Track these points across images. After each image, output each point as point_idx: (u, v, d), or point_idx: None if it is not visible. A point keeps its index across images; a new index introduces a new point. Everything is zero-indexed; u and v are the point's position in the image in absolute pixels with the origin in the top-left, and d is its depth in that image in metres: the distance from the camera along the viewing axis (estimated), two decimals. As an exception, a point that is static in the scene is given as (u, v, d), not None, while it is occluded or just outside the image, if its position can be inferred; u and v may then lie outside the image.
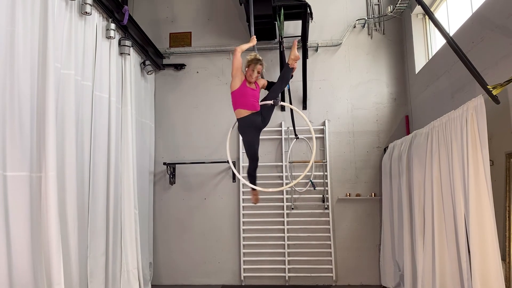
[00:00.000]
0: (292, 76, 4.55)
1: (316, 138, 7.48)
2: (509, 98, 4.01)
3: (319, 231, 7.19)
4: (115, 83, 5.88)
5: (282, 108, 7.55)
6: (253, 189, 4.57)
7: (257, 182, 7.11)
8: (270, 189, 4.61)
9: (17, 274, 3.77)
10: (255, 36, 4.78)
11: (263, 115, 4.30)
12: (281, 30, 6.56)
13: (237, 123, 4.37)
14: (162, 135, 7.78)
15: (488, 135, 3.79)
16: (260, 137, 7.23)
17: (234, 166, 7.34)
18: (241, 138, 4.47)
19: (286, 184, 7.24)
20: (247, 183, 4.53)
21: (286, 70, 4.44)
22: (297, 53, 4.40)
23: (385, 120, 7.43)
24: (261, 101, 4.34)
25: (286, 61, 4.46)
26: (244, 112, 4.21)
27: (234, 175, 7.41)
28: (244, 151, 7.38)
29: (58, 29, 4.56)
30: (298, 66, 7.33)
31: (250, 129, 4.26)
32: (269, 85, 4.54)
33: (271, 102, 4.29)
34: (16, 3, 3.92)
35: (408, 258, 5.51)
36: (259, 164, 7.21)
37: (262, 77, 4.57)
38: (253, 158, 4.44)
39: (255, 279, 7.25)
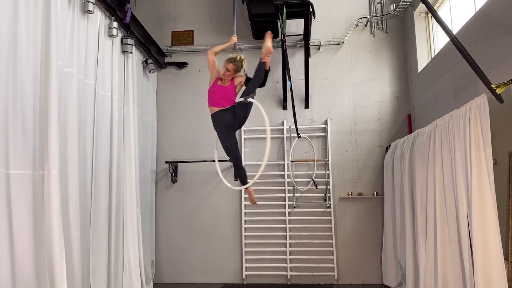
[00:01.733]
0: (267, 71, 4.27)
1: (318, 137, 7.47)
2: (513, 97, 3.99)
3: (321, 230, 7.19)
4: (118, 81, 5.88)
5: (284, 107, 7.54)
6: (246, 188, 4.50)
7: (259, 181, 7.18)
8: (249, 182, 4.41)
9: (20, 271, 3.78)
10: (234, 36, 4.74)
11: (235, 112, 4.23)
12: (283, 29, 6.55)
13: None
14: (164, 133, 7.78)
15: (491, 134, 3.77)
16: (262, 135, 7.36)
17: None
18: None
19: (288, 183, 7.24)
20: (233, 187, 4.50)
21: (258, 65, 4.24)
22: (269, 45, 4.14)
23: (388, 119, 7.41)
24: (241, 97, 4.26)
25: (261, 54, 4.25)
26: (213, 109, 4.32)
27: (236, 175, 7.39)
28: (246, 150, 7.44)
29: (60, 27, 4.56)
30: (300, 64, 7.39)
31: (220, 126, 4.32)
32: (247, 80, 4.44)
33: (242, 100, 4.15)
34: (18, 1, 3.92)
35: (410, 257, 5.50)
36: (261, 162, 7.18)
37: (246, 75, 4.51)
38: (230, 157, 4.47)
39: (257, 277, 7.25)
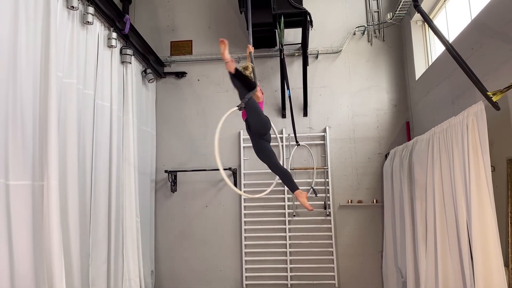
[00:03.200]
0: (233, 74, 4.04)
1: (317, 144, 7.49)
2: (510, 104, 4.02)
3: (321, 238, 7.18)
4: (117, 91, 5.91)
5: (283, 115, 7.57)
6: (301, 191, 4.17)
7: (259, 189, 7.18)
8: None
9: (19, 282, 3.76)
10: (249, 45, 4.78)
11: (249, 122, 4.14)
12: (281, 38, 6.59)
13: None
14: (164, 143, 7.80)
15: (489, 141, 3.79)
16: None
17: (235, 174, 7.37)
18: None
19: (287, 191, 7.24)
20: (237, 190, 4.19)
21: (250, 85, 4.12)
22: (222, 51, 4.12)
23: (386, 126, 7.44)
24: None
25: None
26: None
27: (235, 182, 7.41)
28: (245, 158, 7.45)
29: (60, 38, 4.60)
30: (299, 73, 7.43)
31: (253, 135, 4.22)
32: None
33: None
34: (18, 13, 3.96)
35: (411, 265, 5.49)
36: (260, 171, 7.18)
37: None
38: (270, 167, 4.19)
39: (258, 286, 7.21)
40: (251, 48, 4.72)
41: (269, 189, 4.30)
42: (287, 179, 4.13)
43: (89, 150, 5.25)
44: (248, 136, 7.01)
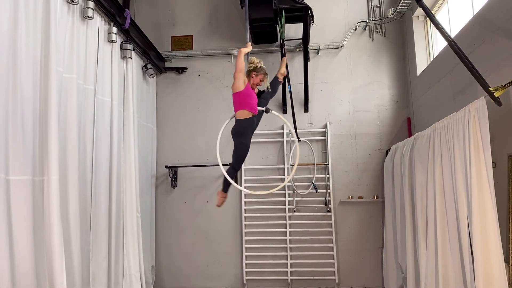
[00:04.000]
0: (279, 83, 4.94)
1: (318, 140, 7.48)
2: (511, 100, 4.00)
3: (321, 234, 7.18)
4: (117, 86, 5.90)
5: (284, 111, 7.55)
6: (224, 191, 4.63)
7: (260, 185, 7.19)
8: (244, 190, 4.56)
9: (20, 277, 3.77)
10: (250, 43, 4.75)
11: (256, 120, 4.47)
12: (282, 33, 6.55)
13: (231, 123, 4.46)
14: (164, 138, 7.79)
15: (491, 137, 3.77)
16: (262, 140, 7.38)
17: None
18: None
19: (288, 187, 7.24)
20: (235, 184, 4.42)
21: (276, 83, 4.82)
22: (284, 70, 5.00)
23: (387, 122, 7.42)
24: None
25: (276, 75, 4.88)
26: (247, 114, 4.28)
27: (236, 177, 7.39)
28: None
29: (60, 33, 4.58)
30: (300, 68, 7.41)
31: (248, 131, 4.34)
32: (261, 92, 4.68)
33: (263, 109, 4.48)
34: (18, 7, 3.94)
35: (411, 261, 5.49)
36: (261, 166, 7.24)
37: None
38: (241, 162, 4.58)
39: (258, 282, 7.24)
40: (249, 46, 4.65)
41: (275, 189, 4.58)
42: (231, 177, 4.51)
43: (90, 145, 5.25)
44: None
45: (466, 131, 3.99)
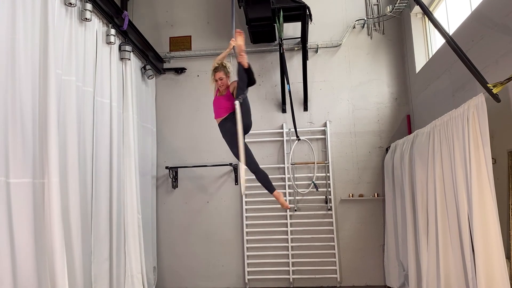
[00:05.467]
0: (247, 69, 4.04)
1: (318, 139, 7.48)
2: (510, 96, 4.00)
3: (322, 232, 7.19)
4: (116, 88, 5.90)
5: (283, 110, 7.56)
6: (271, 192, 4.52)
7: (258, 184, 7.18)
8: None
9: (22, 280, 3.77)
10: (232, 39, 4.47)
11: (233, 118, 4.04)
12: (280, 32, 6.57)
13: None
14: (164, 139, 7.79)
15: (490, 133, 3.78)
16: (262, 139, 7.38)
17: (236, 169, 7.37)
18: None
19: (289, 186, 7.25)
20: (243, 186, 4.33)
21: (239, 69, 4.07)
22: (239, 43, 4.06)
23: (387, 120, 7.42)
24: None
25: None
26: (218, 120, 4.38)
27: (236, 177, 7.42)
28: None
29: (58, 35, 4.59)
30: (299, 67, 7.40)
31: (225, 134, 4.34)
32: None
33: (236, 102, 3.93)
34: (16, 10, 3.95)
35: (412, 258, 5.50)
36: (261, 166, 7.20)
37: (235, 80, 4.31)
38: (245, 164, 4.30)
39: (259, 281, 7.24)
40: (233, 42, 4.38)
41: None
42: (267, 180, 4.48)
43: (90, 147, 5.25)
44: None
45: (466, 128, 4.00)
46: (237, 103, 3.84)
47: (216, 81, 4.29)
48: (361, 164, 7.36)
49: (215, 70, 4.30)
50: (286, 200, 7.27)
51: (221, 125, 4.36)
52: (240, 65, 4.01)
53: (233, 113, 4.01)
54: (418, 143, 5.33)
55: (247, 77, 4.04)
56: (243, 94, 4.01)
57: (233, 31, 4.65)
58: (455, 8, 5.96)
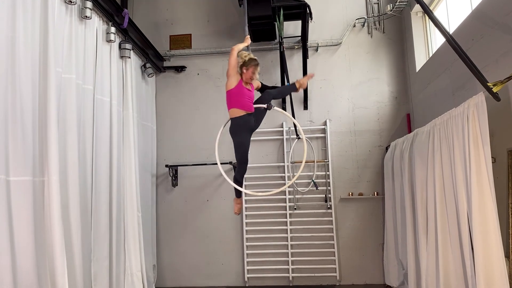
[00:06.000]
0: (293, 91, 4.70)
1: (318, 138, 7.48)
2: (510, 95, 4.00)
3: (322, 231, 7.19)
4: (116, 86, 5.90)
5: (283, 109, 7.54)
6: (237, 197, 4.65)
7: (259, 183, 7.21)
8: (260, 193, 4.58)
9: (22, 278, 3.78)
10: (248, 36, 4.72)
11: (256, 118, 4.30)
12: (281, 31, 6.56)
13: (229, 122, 4.34)
14: (164, 137, 7.79)
15: (490, 132, 3.78)
16: (262, 137, 7.38)
17: (236, 168, 7.35)
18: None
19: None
20: (236, 186, 4.44)
21: (290, 88, 4.68)
22: (306, 83, 4.63)
23: (387, 118, 7.42)
24: (254, 103, 4.30)
25: (296, 80, 4.56)
26: (239, 112, 4.19)
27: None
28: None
29: (58, 33, 4.58)
30: (299, 66, 7.40)
31: (243, 129, 4.25)
32: (263, 87, 4.55)
33: (264, 106, 4.26)
34: (16, 8, 3.94)
35: (412, 257, 5.50)
36: (261, 164, 7.23)
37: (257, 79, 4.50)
38: (243, 161, 4.39)
39: (259, 280, 7.25)
40: (248, 40, 4.63)
41: (277, 190, 4.48)
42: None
43: (89, 145, 5.25)
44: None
45: (466, 127, 4.00)
46: (278, 109, 4.38)
47: (253, 74, 4.23)
48: (361, 163, 7.36)
49: (255, 64, 4.21)
50: (286, 199, 7.30)
51: (244, 119, 4.20)
52: (294, 85, 4.52)
53: (257, 110, 4.25)
54: (418, 142, 5.33)
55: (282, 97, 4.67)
56: (269, 103, 4.29)
57: (246, 28, 5.10)
58: (455, 7, 5.95)
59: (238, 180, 4.42)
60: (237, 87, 4.18)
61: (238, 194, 4.62)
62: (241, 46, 4.40)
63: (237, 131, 4.25)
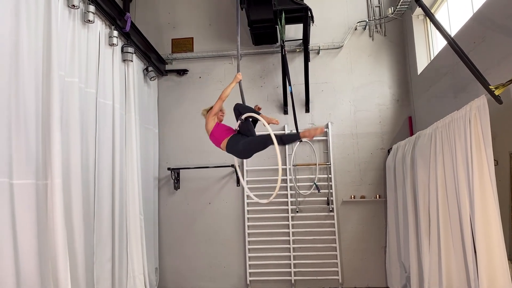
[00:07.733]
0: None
1: (320, 140, 7.48)
2: (512, 98, 4.00)
3: (324, 234, 7.19)
4: (119, 89, 5.92)
5: (285, 112, 7.57)
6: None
7: (262, 186, 7.20)
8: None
9: (25, 281, 3.79)
10: (240, 73, 4.68)
11: (243, 131, 4.47)
12: (282, 34, 6.58)
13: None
14: (166, 140, 7.81)
15: (492, 135, 3.78)
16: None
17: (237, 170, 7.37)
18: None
19: (290, 187, 7.25)
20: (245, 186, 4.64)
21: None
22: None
23: (388, 121, 7.42)
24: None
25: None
26: (226, 140, 4.41)
27: (238, 179, 7.42)
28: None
29: (61, 37, 4.61)
30: (300, 69, 7.41)
31: (237, 144, 4.39)
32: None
33: (238, 122, 4.42)
34: (19, 12, 3.97)
35: (414, 260, 5.50)
36: (263, 167, 7.21)
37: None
38: (258, 145, 4.56)
39: (261, 283, 7.24)
40: (240, 76, 4.67)
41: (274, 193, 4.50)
42: (288, 138, 4.95)
43: (92, 148, 5.27)
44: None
45: (468, 129, 4.00)
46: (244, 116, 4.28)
47: (223, 111, 4.59)
48: (363, 165, 7.36)
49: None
50: (288, 202, 7.29)
51: (232, 139, 4.38)
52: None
53: (239, 131, 4.42)
54: (420, 144, 5.34)
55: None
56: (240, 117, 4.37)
57: (238, 62, 4.93)
58: (457, 9, 5.96)
59: (282, 141, 4.58)
60: (216, 128, 4.48)
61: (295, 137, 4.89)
62: (229, 90, 4.52)
63: (234, 149, 4.43)
